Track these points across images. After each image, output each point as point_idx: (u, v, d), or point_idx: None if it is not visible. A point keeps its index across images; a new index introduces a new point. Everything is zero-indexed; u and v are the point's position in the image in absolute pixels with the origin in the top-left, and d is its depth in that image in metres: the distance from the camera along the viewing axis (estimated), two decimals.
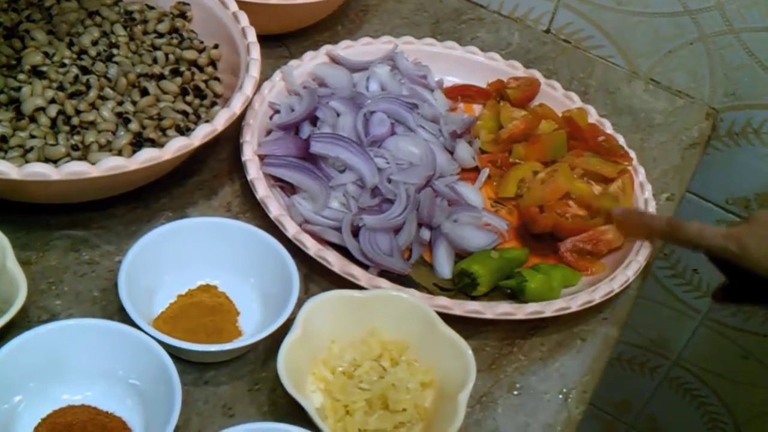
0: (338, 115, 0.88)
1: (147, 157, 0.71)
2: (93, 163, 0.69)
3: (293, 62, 0.94)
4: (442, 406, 0.67)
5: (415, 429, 0.67)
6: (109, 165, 0.69)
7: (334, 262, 0.75)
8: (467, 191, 0.88)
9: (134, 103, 0.81)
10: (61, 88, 0.78)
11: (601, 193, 0.88)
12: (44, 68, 0.79)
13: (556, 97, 1.00)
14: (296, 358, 0.66)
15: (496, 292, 0.80)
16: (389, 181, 0.83)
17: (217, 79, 0.88)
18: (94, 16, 0.86)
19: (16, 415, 0.62)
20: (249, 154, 0.82)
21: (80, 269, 0.74)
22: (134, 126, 0.77)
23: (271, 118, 0.89)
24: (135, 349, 0.64)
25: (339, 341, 0.71)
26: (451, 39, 1.05)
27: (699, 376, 1.35)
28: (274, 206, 0.78)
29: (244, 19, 0.87)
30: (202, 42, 0.90)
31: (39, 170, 0.67)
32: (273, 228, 0.77)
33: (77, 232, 0.77)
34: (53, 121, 0.76)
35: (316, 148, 0.82)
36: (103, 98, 0.79)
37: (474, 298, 0.79)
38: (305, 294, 0.75)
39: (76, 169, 0.68)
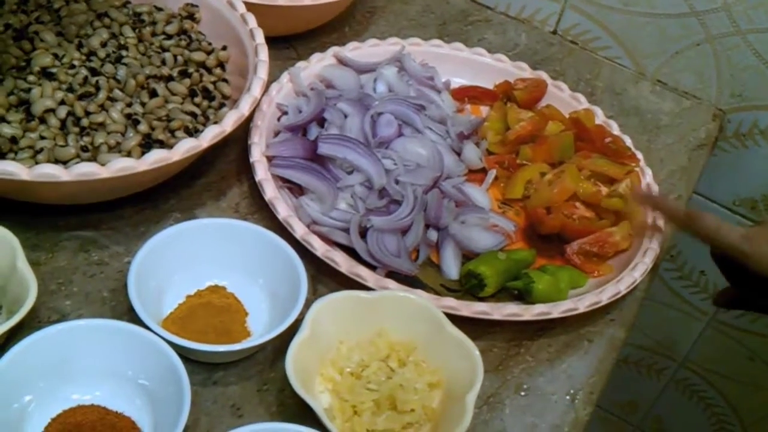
0: (346, 116, 0.88)
1: (156, 158, 0.71)
2: (102, 165, 0.70)
3: (301, 64, 0.94)
4: (450, 406, 0.67)
5: (423, 429, 0.67)
6: (119, 166, 0.70)
7: (342, 263, 0.75)
8: (474, 192, 0.88)
9: (143, 104, 0.81)
10: (70, 89, 0.78)
11: (610, 194, 0.88)
12: (54, 70, 0.79)
13: (563, 99, 1.00)
14: (304, 358, 0.66)
15: (503, 293, 0.80)
16: (397, 182, 0.83)
17: (225, 80, 0.88)
18: (102, 17, 0.86)
19: (26, 415, 0.62)
20: (257, 155, 0.82)
21: (90, 270, 0.75)
22: (143, 127, 0.78)
23: (278, 119, 0.89)
24: (144, 349, 0.64)
25: (347, 342, 0.71)
26: (458, 40, 1.05)
27: (705, 378, 1.35)
28: (282, 207, 0.78)
29: (252, 20, 0.88)
30: (210, 43, 0.91)
31: (49, 171, 0.68)
32: (281, 229, 0.77)
33: (86, 232, 0.77)
34: (63, 123, 0.76)
35: (324, 149, 0.82)
36: (113, 100, 0.80)
37: (481, 299, 0.79)
38: (313, 295, 0.75)
39: (85, 170, 0.69)
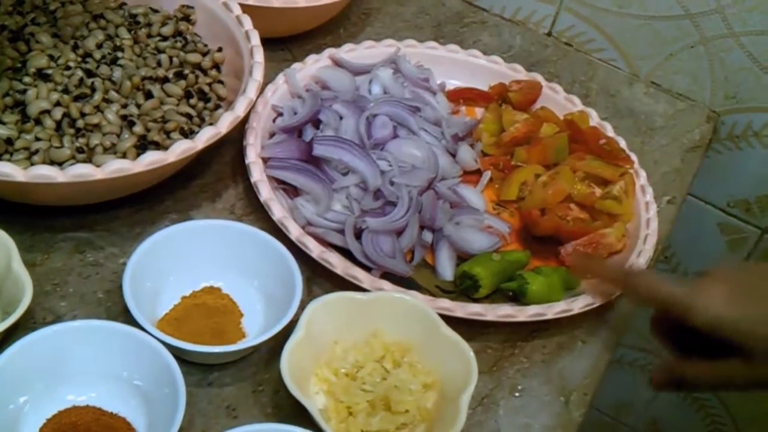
0: (341, 118, 0.88)
1: (151, 159, 0.71)
2: (98, 166, 0.70)
3: (296, 65, 0.94)
4: (444, 407, 0.68)
5: (417, 430, 0.67)
6: (114, 167, 0.70)
7: (337, 264, 0.76)
8: (469, 194, 0.88)
9: (138, 106, 0.81)
10: (66, 90, 0.78)
11: (604, 195, 0.88)
12: (49, 71, 0.79)
13: (558, 100, 1.00)
14: (299, 359, 0.66)
15: (498, 295, 0.81)
16: (392, 183, 0.83)
17: (220, 82, 0.88)
18: (98, 19, 0.86)
19: (21, 416, 0.62)
20: (252, 156, 0.82)
21: (85, 271, 0.75)
22: (138, 129, 0.78)
23: (274, 121, 0.89)
24: (139, 350, 0.65)
25: (342, 343, 0.71)
26: (453, 42, 1.05)
27: None
28: (278, 208, 0.78)
29: (247, 22, 0.88)
30: (206, 45, 0.91)
31: (44, 172, 0.68)
32: (276, 230, 0.77)
33: (82, 234, 0.77)
34: (58, 124, 0.76)
35: (319, 150, 0.83)
36: (108, 101, 0.80)
37: (476, 301, 0.79)
38: (308, 296, 0.75)
39: (81, 172, 0.69)
